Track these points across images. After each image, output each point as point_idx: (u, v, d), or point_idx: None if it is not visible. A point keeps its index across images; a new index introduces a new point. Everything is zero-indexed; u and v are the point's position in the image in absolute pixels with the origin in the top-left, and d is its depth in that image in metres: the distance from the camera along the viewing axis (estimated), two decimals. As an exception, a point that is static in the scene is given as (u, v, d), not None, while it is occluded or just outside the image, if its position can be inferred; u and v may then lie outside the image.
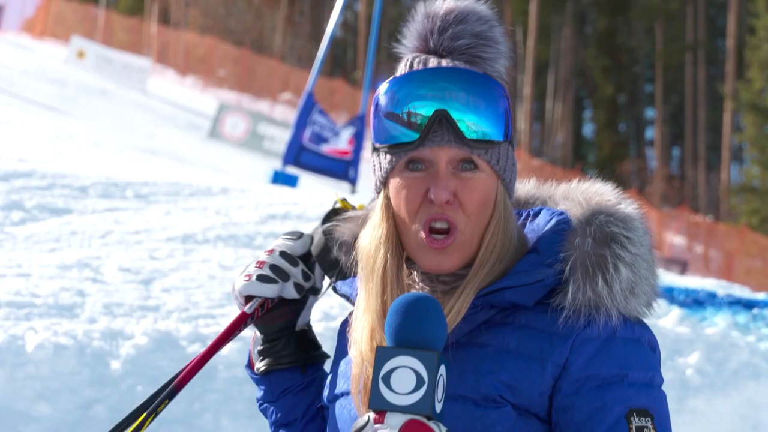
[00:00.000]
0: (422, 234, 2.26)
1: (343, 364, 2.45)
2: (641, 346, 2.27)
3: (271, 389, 2.59)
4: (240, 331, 2.48)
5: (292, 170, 18.51)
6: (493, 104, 2.27)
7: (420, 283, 2.33)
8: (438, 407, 2.01)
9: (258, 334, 2.58)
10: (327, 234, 2.52)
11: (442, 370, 2.01)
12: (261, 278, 2.45)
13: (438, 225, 2.26)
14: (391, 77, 2.34)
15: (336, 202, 2.62)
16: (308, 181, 22.18)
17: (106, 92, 40.80)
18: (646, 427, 2.19)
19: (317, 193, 15.97)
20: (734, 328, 8.32)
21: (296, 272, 2.49)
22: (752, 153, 52.04)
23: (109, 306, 7.14)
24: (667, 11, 66.66)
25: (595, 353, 2.22)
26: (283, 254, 2.50)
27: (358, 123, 18.45)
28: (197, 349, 6.45)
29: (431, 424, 1.98)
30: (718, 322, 8.38)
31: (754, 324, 8.57)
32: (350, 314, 2.48)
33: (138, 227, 9.74)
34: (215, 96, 52.71)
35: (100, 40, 58.82)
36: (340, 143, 18.21)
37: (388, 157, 2.30)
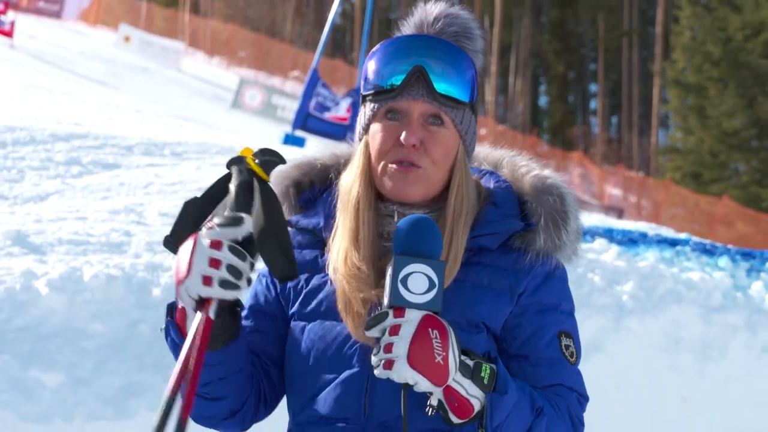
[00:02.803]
0: (390, 165, 2.26)
1: (311, 285, 2.35)
2: (566, 283, 2.37)
3: (231, 360, 2.21)
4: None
5: (300, 133, 18.48)
6: (461, 71, 2.29)
7: (397, 218, 2.31)
8: None
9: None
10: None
11: None
12: (224, 285, 1.97)
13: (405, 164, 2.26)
14: (379, 43, 2.34)
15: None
16: (314, 142, 22.12)
17: (147, 70, 40.61)
18: (570, 346, 2.30)
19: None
20: (661, 262, 8.34)
21: (246, 267, 2.01)
22: (676, 120, 52.02)
23: (151, 244, 7.13)
24: (607, 4, 66.46)
25: (539, 285, 2.30)
26: (232, 249, 1.98)
27: (355, 94, 18.38)
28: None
29: (441, 319, 2.05)
30: (649, 257, 8.39)
31: (677, 258, 8.58)
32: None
33: (174, 179, 9.72)
34: (236, 73, 52.46)
35: (142, 27, 58.46)
36: (340, 111, 18.16)
37: (371, 105, 2.30)
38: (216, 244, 1.98)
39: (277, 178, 2.45)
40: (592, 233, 8.72)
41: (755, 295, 8.14)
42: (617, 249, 8.28)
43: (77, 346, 5.42)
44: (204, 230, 2.01)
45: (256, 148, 2.10)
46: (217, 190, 2.09)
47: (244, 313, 2.39)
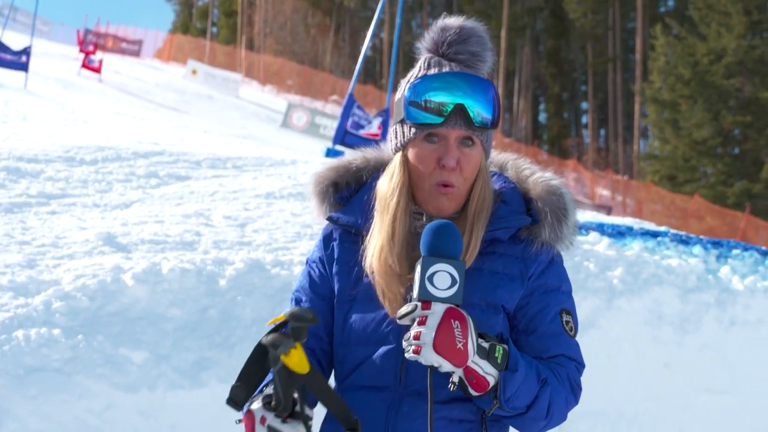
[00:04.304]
0: (432, 186, 2.24)
1: (354, 276, 2.33)
2: (564, 268, 2.34)
3: None
4: None
5: (339, 148, 18.47)
6: (489, 99, 2.26)
7: (425, 221, 2.29)
8: None
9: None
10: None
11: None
12: None
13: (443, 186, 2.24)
14: (420, 76, 2.29)
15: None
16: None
17: (211, 97, 40.81)
18: (569, 321, 2.29)
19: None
20: (645, 251, 8.27)
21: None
22: (654, 132, 51.72)
23: (217, 242, 7.15)
24: (594, 35, 66.13)
25: (544, 269, 2.28)
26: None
27: (384, 114, 18.38)
28: (278, 272, 6.44)
29: (461, 310, 2.04)
30: (634, 246, 8.33)
31: (658, 248, 8.51)
32: (335, 229, 2.40)
33: (235, 188, 9.74)
34: (285, 98, 52.59)
35: (207, 61, 58.76)
36: (372, 128, 18.15)
37: (413, 130, 2.27)
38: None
39: (317, 179, 2.45)
40: (586, 227, 8.65)
41: (724, 277, 8.07)
42: (608, 240, 8.22)
43: (158, 327, 5.45)
44: (259, 423, 1.88)
45: (288, 314, 1.82)
46: (257, 364, 1.93)
47: (301, 292, 2.38)
